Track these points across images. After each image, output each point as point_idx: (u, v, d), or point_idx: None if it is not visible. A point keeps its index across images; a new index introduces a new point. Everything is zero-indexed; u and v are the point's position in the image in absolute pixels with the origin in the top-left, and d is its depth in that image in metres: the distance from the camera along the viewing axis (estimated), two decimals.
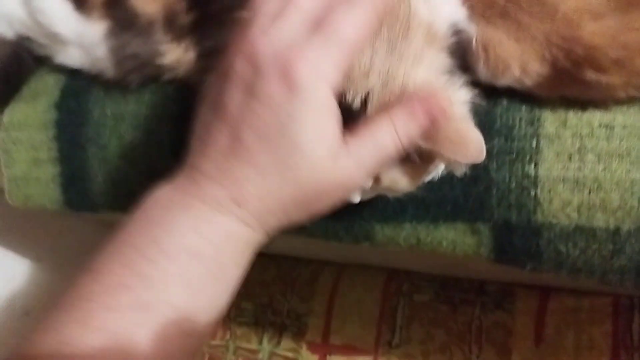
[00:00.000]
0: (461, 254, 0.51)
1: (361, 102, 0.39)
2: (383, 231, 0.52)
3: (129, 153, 0.59)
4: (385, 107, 0.38)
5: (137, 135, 0.59)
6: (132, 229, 0.38)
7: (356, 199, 0.45)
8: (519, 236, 0.48)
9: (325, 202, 0.39)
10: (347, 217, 0.53)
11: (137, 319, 0.36)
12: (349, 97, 0.39)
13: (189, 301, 0.37)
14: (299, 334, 0.96)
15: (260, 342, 0.98)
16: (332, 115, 0.37)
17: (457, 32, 0.43)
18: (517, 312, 0.87)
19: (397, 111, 0.37)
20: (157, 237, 0.37)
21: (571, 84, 0.44)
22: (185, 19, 0.53)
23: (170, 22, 0.54)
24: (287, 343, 0.96)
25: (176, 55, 0.54)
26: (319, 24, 0.36)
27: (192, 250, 0.37)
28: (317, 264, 0.99)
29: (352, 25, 0.36)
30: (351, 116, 0.38)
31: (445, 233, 0.50)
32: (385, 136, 0.37)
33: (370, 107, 0.39)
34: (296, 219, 0.39)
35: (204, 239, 0.37)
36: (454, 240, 0.51)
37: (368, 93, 0.39)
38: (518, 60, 0.44)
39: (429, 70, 0.41)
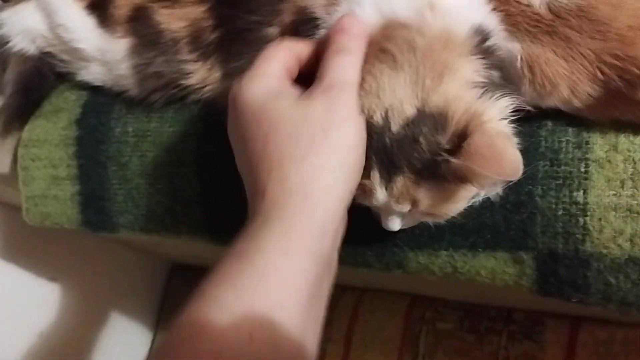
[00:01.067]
0: (501, 284, 0.48)
1: (382, 119, 0.40)
2: (417, 259, 0.50)
3: (150, 172, 0.57)
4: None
5: (159, 154, 0.57)
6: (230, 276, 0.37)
7: (396, 226, 0.42)
8: (565, 267, 0.45)
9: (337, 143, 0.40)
10: (379, 243, 0.50)
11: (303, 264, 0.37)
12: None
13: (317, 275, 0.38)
14: None
15: None
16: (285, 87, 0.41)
17: (486, 33, 0.41)
18: (546, 342, 0.83)
19: (332, 40, 0.41)
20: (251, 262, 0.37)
21: (624, 106, 0.41)
22: (210, 37, 0.51)
23: (195, 40, 0.52)
24: None
25: (201, 75, 0.53)
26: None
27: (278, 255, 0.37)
28: (337, 289, 0.96)
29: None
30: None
31: (484, 262, 0.48)
32: (339, 57, 0.40)
33: (393, 124, 0.39)
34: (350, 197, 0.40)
35: (289, 252, 0.37)
36: (494, 270, 0.48)
37: (387, 110, 0.39)
38: (567, 80, 0.41)
39: (458, 81, 0.40)
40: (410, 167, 0.40)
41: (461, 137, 0.38)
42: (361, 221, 0.50)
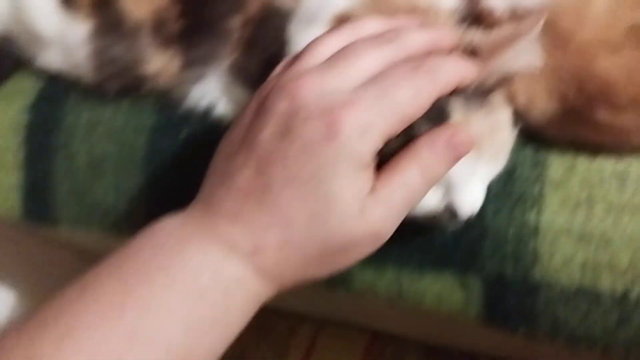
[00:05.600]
0: (447, 310, 0.45)
1: None
2: (362, 275, 0.47)
3: (97, 165, 0.55)
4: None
5: (108, 147, 0.54)
6: (137, 252, 0.34)
7: (479, 192, 0.39)
8: (513, 293, 0.42)
9: (353, 256, 0.35)
10: None
11: (123, 348, 0.31)
12: None
13: (185, 344, 0.32)
14: None
15: None
16: (365, 167, 0.33)
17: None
18: None
19: (423, 151, 0.34)
20: (165, 265, 0.33)
21: (582, 125, 0.40)
22: (175, 25, 0.50)
23: (159, 28, 0.51)
24: None
25: (160, 63, 0.51)
26: (375, 81, 0.34)
27: (200, 289, 0.33)
28: (295, 318, 0.93)
29: (410, 94, 0.33)
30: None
31: (430, 285, 0.45)
32: (413, 178, 0.34)
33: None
34: (314, 275, 0.35)
35: (215, 282, 0.33)
36: (440, 294, 0.45)
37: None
38: (523, 92, 0.39)
39: None
40: (453, 99, 0.36)
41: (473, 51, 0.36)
42: None
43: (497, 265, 0.42)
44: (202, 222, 0.35)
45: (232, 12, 0.47)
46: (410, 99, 0.33)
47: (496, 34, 0.36)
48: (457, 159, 0.35)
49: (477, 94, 0.36)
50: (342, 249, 0.34)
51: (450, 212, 0.38)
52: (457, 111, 0.35)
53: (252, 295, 0.34)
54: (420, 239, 0.44)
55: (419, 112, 0.34)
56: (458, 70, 0.35)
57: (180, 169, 0.52)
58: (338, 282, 0.48)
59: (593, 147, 0.41)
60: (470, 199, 0.37)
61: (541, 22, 0.34)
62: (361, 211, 0.33)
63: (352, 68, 0.34)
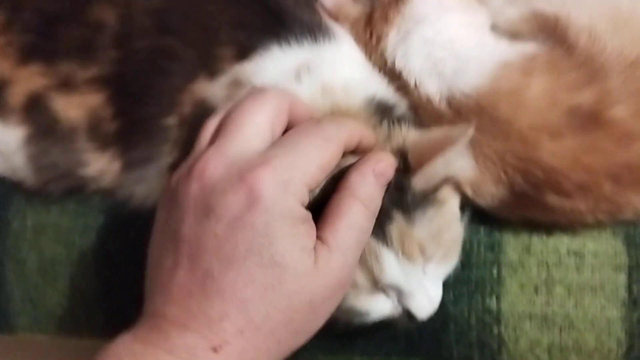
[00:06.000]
0: None
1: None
2: None
3: (49, 269, 0.53)
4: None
5: (58, 250, 0.53)
6: None
7: (427, 305, 0.37)
8: None
9: (323, 312, 0.33)
10: None
11: None
12: None
13: None
14: None
15: None
16: (302, 221, 0.32)
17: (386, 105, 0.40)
18: None
19: (357, 185, 0.33)
20: None
21: (532, 208, 0.39)
22: (110, 126, 0.48)
23: (94, 130, 0.49)
24: None
25: (100, 165, 0.49)
26: (280, 138, 0.34)
27: None
28: None
29: (319, 142, 0.33)
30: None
31: None
32: (358, 215, 0.33)
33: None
34: (292, 346, 0.33)
35: None
36: None
37: None
38: (470, 182, 0.38)
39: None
40: (392, 209, 0.36)
41: (404, 159, 0.36)
42: None
43: (463, 352, 0.41)
44: (150, 338, 0.32)
45: (166, 111, 0.46)
46: (320, 146, 0.33)
47: (426, 139, 0.35)
48: (388, 181, 0.34)
49: (416, 200, 0.35)
50: (309, 309, 0.32)
51: (407, 315, 0.37)
52: (399, 222, 0.35)
53: None
54: (385, 330, 0.43)
55: (334, 157, 0.33)
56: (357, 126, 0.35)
57: (133, 269, 0.50)
58: None
59: (547, 226, 0.40)
60: (424, 302, 0.36)
61: (470, 132, 0.33)
62: (315, 264, 0.32)
63: (244, 128, 0.33)
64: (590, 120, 0.36)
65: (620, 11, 0.37)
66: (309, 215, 0.33)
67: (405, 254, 0.36)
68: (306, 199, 0.32)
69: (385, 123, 0.38)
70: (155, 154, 0.48)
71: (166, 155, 0.47)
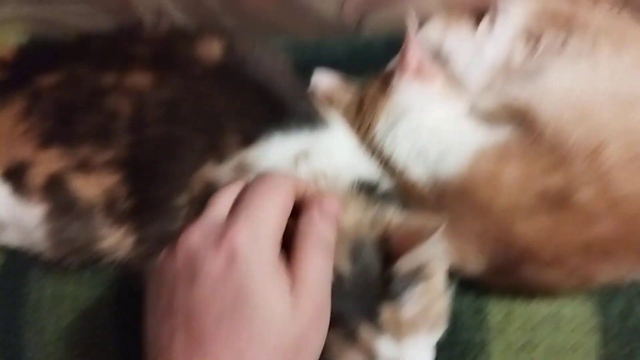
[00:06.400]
0: None
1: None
2: None
3: (67, 338, 0.56)
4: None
5: (75, 319, 0.56)
6: None
7: None
8: None
9: (312, 348, 0.36)
10: None
11: None
12: None
13: None
14: None
15: None
16: (279, 269, 0.36)
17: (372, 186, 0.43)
18: None
19: (306, 229, 0.37)
20: None
21: (511, 278, 0.43)
22: (125, 204, 0.52)
23: (110, 207, 0.52)
24: None
25: (115, 239, 0.53)
26: (240, 200, 0.38)
27: None
28: None
29: (271, 191, 0.38)
30: None
31: None
32: (319, 256, 0.37)
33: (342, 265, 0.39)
34: None
35: None
36: None
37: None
38: (456, 254, 0.43)
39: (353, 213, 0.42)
40: (381, 297, 0.39)
41: (386, 246, 0.39)
42: None
43: None
44: None
45: (177, 192, 0.49)
46: (273, 193, 0.37)
47: (407, 226, 0.39)
48: (335, 217, 0.38)
49: (403, 282, 0.39)
50: (298, 349, 0.35)
51: None
52: (388, 308, 0.38)
53: None
54: None
55: (289, 198, 0.38)
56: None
57: None
58: None
59: (527, 292, 0.44)
60: None
61: (442, 227, 0.37)
62: (294, 309, 0.35)
63: (217, 202, 0.39)
64: (558, 202, 0.40)
65: (581, 103, 0.42)
66: (280, 263, 0.36)
67: (398, 334, 0.39)
68: (278, 247, 0.36)
69: (371, 205, 0.42)
70: (167, 229, 0.51)
71: (177, 231, 0.51)
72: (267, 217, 0.37)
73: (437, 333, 0.42)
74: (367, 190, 0.44)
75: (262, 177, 0.40)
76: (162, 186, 0.50)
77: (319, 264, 0.37)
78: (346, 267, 0.39)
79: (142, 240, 0.52)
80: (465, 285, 0.45)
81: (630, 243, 0.39)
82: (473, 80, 0.48)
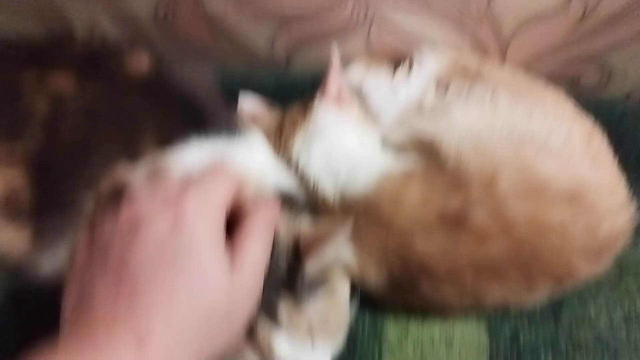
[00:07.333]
0: None
1: None
2: None
3: None
4: None
5: None
6: None
7: None
8: None
9: (239, 320, 0.36)
10: None
11: None
12: None
13: None
14: None
15: None
16: (221, 236, 0.36)
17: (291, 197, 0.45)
18: None
19: (254, 217, 0.38)
20: None
21: (409, 294, 0.44)
22: (24, 197, 0.50)
23: (7, 201, 0.50)
24: None
25: (9, 237, 0.50)
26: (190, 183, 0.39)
27: None
28: None
29: (220, 186, 0.38)
30: None
31: None
32: (258, 238, 0.37)
33: None
34: (212, 351, 0.35)
35: None
36: None
37: None
38: (358, 263, 0.44)
39: None
40: (284, 294, 0.39)
41: (296, 249, 0.40)
42: None
43: None
44: (75, 345, 0.33)
45: (84, 188, 0.48)
46: (221, 176, 0.39)
47: (315, 230, 0.41)
48: (274, 218, 0.40)
49: (307, 284, 0.39)
50: (226, 316, 0.35)
51: None
52: (288, 303, 0.39)
53: None
54: None
55: (235, 184, 0.39)
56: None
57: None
58: None
59: (423, 314, 0.45)
60: None
61: (350, 225, 0.39)
62: (230, 279, 0.35)
63: (168, 179, 0.41)
64: (455, 222, 0.42)
65: (480, 138, 0.45)
66: (223, 235, 0.36)
67: (294, 332, 0.39)
68: (223, 222, 0.36)
69: (289, 213, 0.43)
70: (66, 226, 0.50)
71: (77, 229, 0.49)
72: (216, 193, 0.37)
73: (334, 343, 0.42)
74: (285, 200, 0.45)
75: (213, 166, 0.41)
76: (69, 181, 0.49)
77: (259, 247, 0.37)
78: None
79: (38, 236, 0.50)
80: (365, 304, 0.46)
81: (518, 264, 0.42)
82: (386, 116, 0.51)
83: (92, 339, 0.33)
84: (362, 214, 0.44)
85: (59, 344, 0.33)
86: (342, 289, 0.42)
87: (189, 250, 0.34)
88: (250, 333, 0.38)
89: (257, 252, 0.37)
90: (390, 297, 0.45)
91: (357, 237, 0.43)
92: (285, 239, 0.41)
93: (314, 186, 0.46)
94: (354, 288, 0.44)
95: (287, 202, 0.44)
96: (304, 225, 0.43)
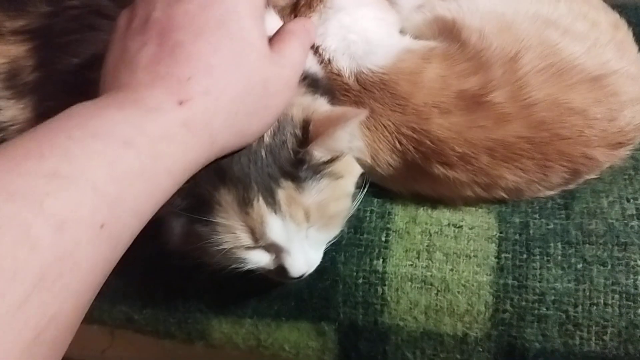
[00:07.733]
0: (304, 358, 0.46)
1: None
2: (221, 327, 0.46)
3: None
4: None
5: None
6: (48, 123, 0.30)
7: (302, 264, 0.39)
8: (366, 340, 0.44)
9: (273, 106, 0.36)
10: (182, 309, 0.47)
11: (48, 187, 0.27)
12: None
13: (111, 189, 0.29)
14: None
15: None
16: (262, 14, 0.36)
17: (312, 74, 0.43)
18: None
19: (295, 28, 0.38)
20: (84, 122, 0.30)
21: (421, 178, 0.43)
22: (29, 77, 0.49)
23: (12, 78, 0.49)
24: None
25: (12, 113, 0.49)
26: None
27: (125, 138, 0.30)
28: None
29: None
30: None
31: (287, 334, 0.45)
32: (299, 44, 0.38)
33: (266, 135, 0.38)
34: (245, 126, 0.35)
35: (140, 132, 0.30)
36: (297, 343, 0.45)
37: None
38: (369, 147, 0.43)
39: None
40: (286, 175, 0.38)
41: (306, 128, 0.39)
42: (164, 283, 0.47)
43: (349, 312, 0.44)
44: (117, 96, 0.32)
45: (89, 66, 0.47)
46: None
47: (327, 114, 0.39)
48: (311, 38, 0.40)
49: (310, 170, 0.38)
50: (263, 92, 0.35)
51: (282, 271, 0.40)
52: (288, 188, 0.38)
53: (180, 150, 0.32)
54: (277, 290, 0.45)
55: None
56: None
57: None
58: (196, 335, 0.47)
59: (432, 201, 0.44)
60: (300, 261, 0.39)
61: (365, 113, 0.38)
62: (271, 57, 0.35)
63: None
64: (474, 102, 0.41)
65: (505, 17, 0.44)
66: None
67: (290, 217, 0.38)
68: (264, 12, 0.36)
69: (308, 94, 0.42)
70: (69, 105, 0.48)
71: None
72: None
73: (330, 233, 0.41)
74: (309, 80, 0.43)
75: None
76: (75, 58, 0.47)
77: (298, 48, 0.37)
78: (266, 139, 0.39)
79: (41, 115, 0.49)
80: (374, 192, 0.45)
81: (535, 149, 0.41)
82: (406, 3, 0.49)
83: (135, 94, 0.32)
84: (378, 90, 0.42)
85: (100, 101, 0.32)
86: (347, 183, 0.41)
87: (234, 17, 0.34)
88: (245, 208, 0.37)
89: (296, 52, 0.37)
90: (401, 186, 0.44)
91: (371, 121, 0.42)
92: (299, 115, 0.40)
93: (328, 60, 0.45)
94: (362, 177, 0.43)
95: (311, 83, 0.43)
96: (319, 105, 0.41)
